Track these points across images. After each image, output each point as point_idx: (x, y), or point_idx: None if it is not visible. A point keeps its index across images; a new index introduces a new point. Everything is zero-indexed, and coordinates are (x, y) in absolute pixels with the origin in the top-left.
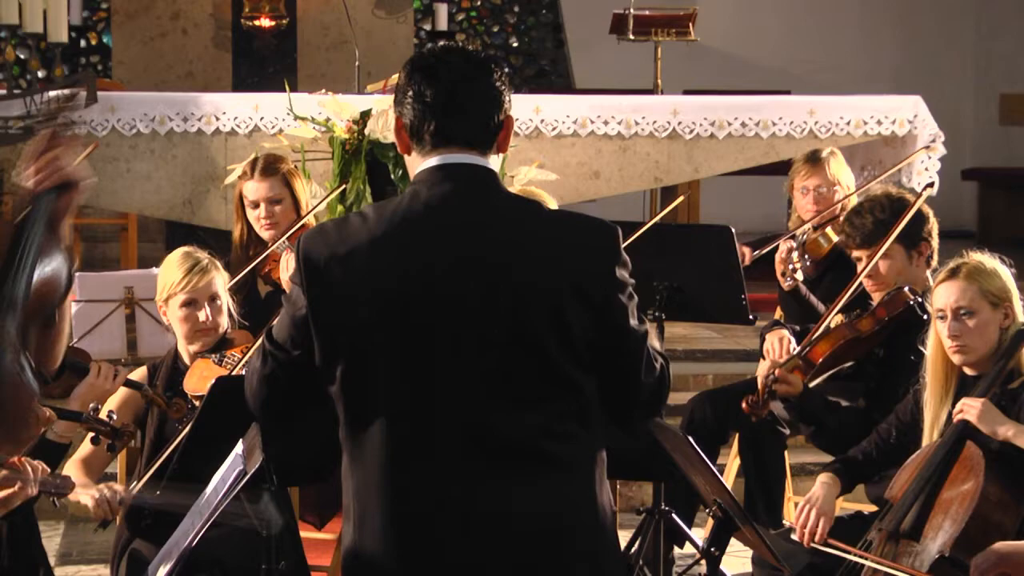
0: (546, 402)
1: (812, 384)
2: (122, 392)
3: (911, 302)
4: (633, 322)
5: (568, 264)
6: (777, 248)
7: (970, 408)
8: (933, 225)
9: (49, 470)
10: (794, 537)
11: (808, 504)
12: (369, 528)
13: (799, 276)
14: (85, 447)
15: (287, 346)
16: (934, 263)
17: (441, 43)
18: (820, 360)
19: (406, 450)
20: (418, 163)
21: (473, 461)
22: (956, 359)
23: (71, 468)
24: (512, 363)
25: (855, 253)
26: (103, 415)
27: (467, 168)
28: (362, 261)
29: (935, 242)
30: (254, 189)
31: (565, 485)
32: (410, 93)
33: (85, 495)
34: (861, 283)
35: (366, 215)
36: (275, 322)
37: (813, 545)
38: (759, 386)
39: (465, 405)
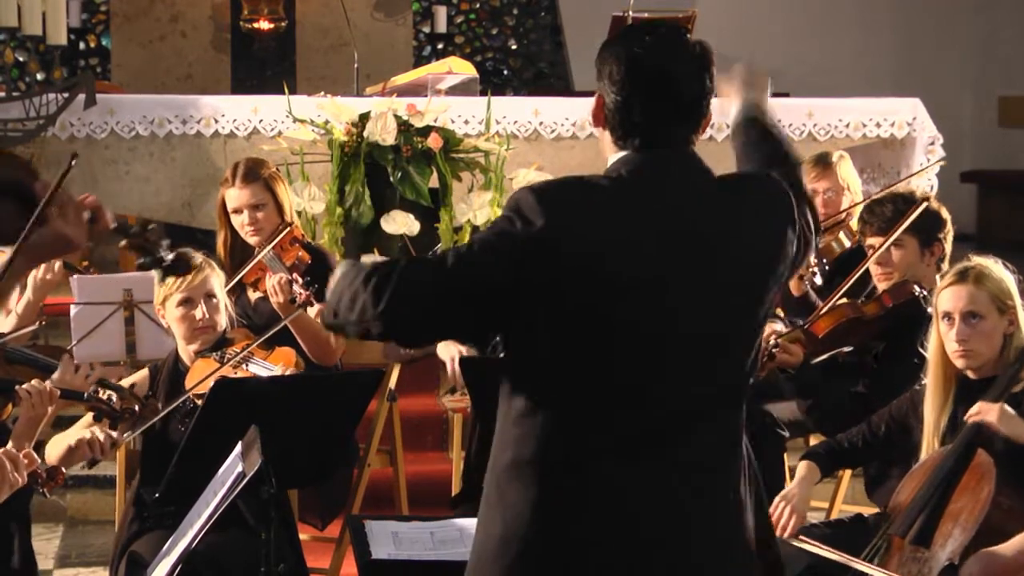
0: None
1: (813, 362)
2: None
3: (916, 295)
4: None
5: (776, 226)
6: None
7: (988, 410)
8: (949, 232)
9: (38, 460)
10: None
11: (784, 500)
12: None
13: (818, 281)
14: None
15: (487, 263)
16: (944, 267)
17: (655, 30)
18: (822, 335)
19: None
20: (612, 147)
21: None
22: (960, 363)
23: (58, 442)
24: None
25: (869, 240)
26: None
27: (667, 154)
28: (593, 240)
29: (948, 247)
30: (236, 196)
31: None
32: (628, 89)
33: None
34: (866, 272)
35: (604, 187)
36: (477, 241)
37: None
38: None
39: (683, 391)
